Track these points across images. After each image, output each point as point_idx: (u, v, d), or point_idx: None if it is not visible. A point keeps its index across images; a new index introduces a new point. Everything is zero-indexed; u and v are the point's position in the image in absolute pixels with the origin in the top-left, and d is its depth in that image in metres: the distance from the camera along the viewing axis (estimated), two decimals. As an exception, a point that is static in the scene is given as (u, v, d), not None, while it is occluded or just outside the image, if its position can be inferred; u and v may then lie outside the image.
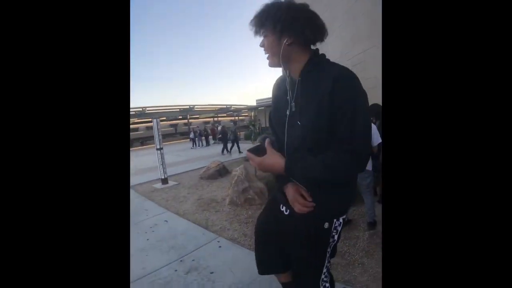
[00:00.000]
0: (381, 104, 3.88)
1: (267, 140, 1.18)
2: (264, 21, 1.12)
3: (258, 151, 1.16)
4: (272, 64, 1.21)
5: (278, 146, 1.28)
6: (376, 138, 3.25)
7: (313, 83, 1.13)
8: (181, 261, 2.88)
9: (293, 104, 1.19)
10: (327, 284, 1.40)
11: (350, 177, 1.19)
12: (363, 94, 1.10)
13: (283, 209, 1.37)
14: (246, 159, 9.02)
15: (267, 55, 1.21)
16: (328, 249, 1.32)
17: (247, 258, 2.82)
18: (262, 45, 1.20)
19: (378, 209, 3.78)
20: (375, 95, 4.61)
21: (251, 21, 1.17)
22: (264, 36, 1.17)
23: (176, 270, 2.69)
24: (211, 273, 2.59)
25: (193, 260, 2.87)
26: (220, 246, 3.17)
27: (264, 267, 1.60)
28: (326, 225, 1.24)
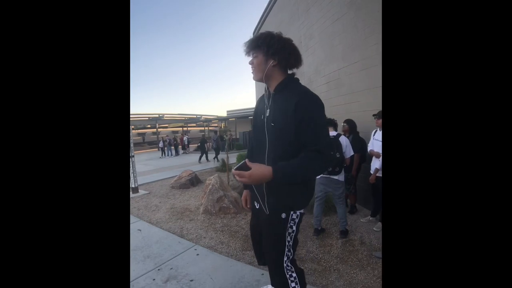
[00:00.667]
0: (354, 121, 4.11)
1: (246, 159, 1.42)
2: (260, 45, 1.46)
3: (242, 168, 1.36)
4: (256, 78, 1.56)
5: (257, 144, 1.63)
6: (349, 151, 3.46)
7: (282, 98, 1.48)
8: (158, 269, 2.84)
9: (268, 111, 1.54)
10: (294, 274, 1.65)
11: (320, 173, 1.47)
12: (320, 110, 1.45)
13: (255, 204, 1.72)
14: (217, 169, 9.03)
15: (252, 70, 1.55)
16: (288, 238, 1.60)
17: (226, 265, 2.86)
18: (251, 63, 1.53)
19: (348, 218, 3.95)
20: (349, 110, 4.88)
21: (247, 43, 1.52)
22: (254, 57, 1.51)
23: (154, 279, 2.65)
24: (191, 280, 2.59)
25: (171, 268, 2.84)
26: (197, 254, 3.15)
27: (260, 259, 1.94)
28: (283, 215, 1.55)
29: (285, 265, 1.63)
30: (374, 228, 3.64)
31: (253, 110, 1.78)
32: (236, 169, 1.36)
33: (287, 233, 1.58)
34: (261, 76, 1.51)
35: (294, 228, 1.59)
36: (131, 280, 2.66)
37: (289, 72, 1.56)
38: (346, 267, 2.74)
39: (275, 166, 1.35)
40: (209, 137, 17.06)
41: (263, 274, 2.61)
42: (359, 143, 4.09)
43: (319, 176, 3.36)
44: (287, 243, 1.61)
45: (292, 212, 1.55)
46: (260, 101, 1.68)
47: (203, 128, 36.52)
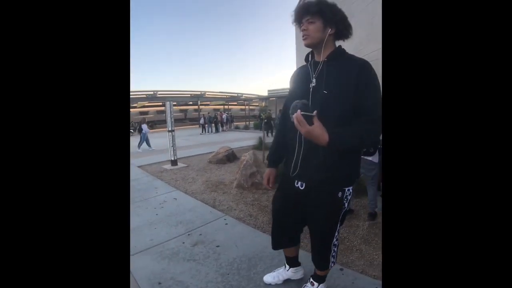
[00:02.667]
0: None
1: (316, 112, 1.27)
2: (323, 10, 1.38)
3: (307, 118, 1.25)
4: (309, 45, 1.47)
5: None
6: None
7: (338, 65, 1.41)
8: (188, 234, 3.03)
9: (314, 80, 1.46)
10: (335, 249, 1.70)
11: (374, 144, 1.42)
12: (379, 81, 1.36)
13: (298, 185, 1.60)
14: (254, 147, 9.16)
15: (305, 36, 1.44)
16: (340, 216, 1.59)
17: (252, 235, 2.98)
18: (305, 28, 1.43)
19: (380, 202, 3.87)
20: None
21: (307, 6, 1.42)
22: (310, 22, 1.41)
23: (183, 243, 2.84)
24: (217, 246, 2.74)
25: (200, 234, 3.02)
26: (226, 223, 3.30)
27: (277, 243, 1.89)
28: (340, 194, 1.52)
29: (334, 240, 1.65)
30: (406, 213, 3.53)
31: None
32: (302, 114, 1.24)
33: (341, 211, 1.58)
34: (317, 43, 1.43)
35: (346, 204, 1.58)
36: (163, 242, 2.87)
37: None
38: (369, 248, 2.72)
39: (332, 134, 1.26)
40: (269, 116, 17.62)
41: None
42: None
43: None
44: (339, 221, 1.61)
45: (346, 189, 1.53)
46: (300, 74, 1.61)
47: (243, 107, 36.79)
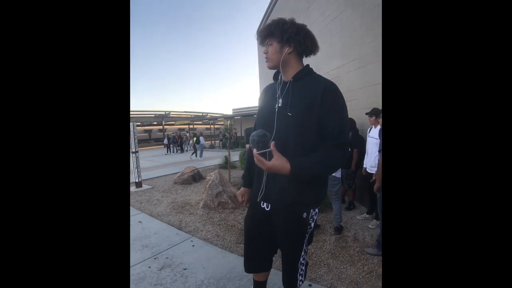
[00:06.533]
0: (353, 118, 4.14)
1: (272, 143, 1.27)
2: (274, 31, 1.40)
3: (265, 155, 1.29)
4: (271, 67, 1.49)
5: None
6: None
7: (304, 86, 1.41)
8: (155, 258, 2.95)
9: (280, 100, 1.44)
10: (303, 267, 1.67)
11: (337, 169, 1.41)
12: (345, 102, 1.40)
13: (264, 206, 1.60)
14: (220, 166, 9.11)
15: (267, 59, 1.47)
16: (306, 235, 1.57)
17: (219, 256, 2.95)
18: (266, 52, 1.47)
19: (345, 215, 4.01)
20: (348, 108, 4.86)
21: (260, 31, 1.46)
22: (269, 45, 1.44)
23: (149, 267, 2.76)
24: (184, 269, 2.69)
25: (166, 257, 2.95)
26: (193, 245, 3.25)
27: (250, 266, 1.83)
28: (304, 215, 1.50)
29: (300, 259, 1.63)
30: (369, 225, 3.68)
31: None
32: (258, 153, 1.26)
33: (307, 230, 1.56)
34: (277, 64, 1.44)
35: (313, 225, 1.57)
36: (128, 268, 2.76)
37: (305, 58, 1.51)
38: (336, 262, 2.79)
39: (294, 164, 1.27)
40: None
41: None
42: (358, 140, 4.13)
43: None
44: (305, 240, 1.60)
45: (312, 210, 1.52)
46: (268, 92, 1.60)
47: (209, 126, 36.72)
